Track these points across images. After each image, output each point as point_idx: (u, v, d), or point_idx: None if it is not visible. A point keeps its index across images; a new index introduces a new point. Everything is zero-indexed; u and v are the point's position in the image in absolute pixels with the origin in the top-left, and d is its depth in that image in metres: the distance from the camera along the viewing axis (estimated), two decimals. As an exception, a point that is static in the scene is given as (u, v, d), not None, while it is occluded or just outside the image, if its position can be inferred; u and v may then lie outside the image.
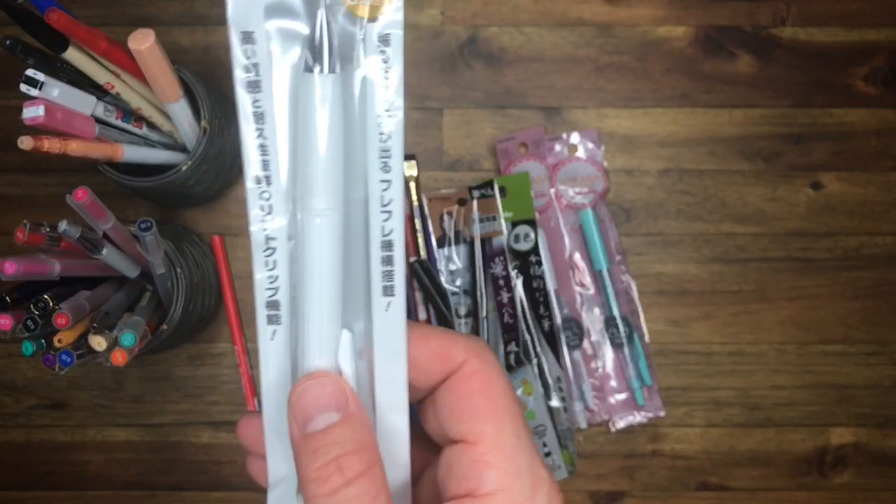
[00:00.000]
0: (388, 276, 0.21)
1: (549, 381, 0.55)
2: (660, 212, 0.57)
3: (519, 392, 0.55)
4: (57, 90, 0.42)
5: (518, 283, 0.55)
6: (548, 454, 0.54)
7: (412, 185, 0.56)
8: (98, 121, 0.45)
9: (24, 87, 0.41)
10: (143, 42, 0.42)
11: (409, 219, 0.56)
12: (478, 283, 0.55)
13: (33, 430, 0.56)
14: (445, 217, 0.56)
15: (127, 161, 0.47)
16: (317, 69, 0.20)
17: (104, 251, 0.42)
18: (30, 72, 0.41)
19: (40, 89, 0.41)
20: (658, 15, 0.58)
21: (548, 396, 0.55)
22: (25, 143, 0.39)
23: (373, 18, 0.20)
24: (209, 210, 0.57)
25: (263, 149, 0.21)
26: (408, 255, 0.56)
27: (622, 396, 0.56)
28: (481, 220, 0.55)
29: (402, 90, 0.20)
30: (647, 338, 0.56)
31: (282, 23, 0.20)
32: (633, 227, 0.57)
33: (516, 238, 0.55)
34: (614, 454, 0.56)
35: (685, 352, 0.56)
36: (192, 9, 0.58)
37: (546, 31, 0.58)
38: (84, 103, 0.44)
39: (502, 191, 0.56)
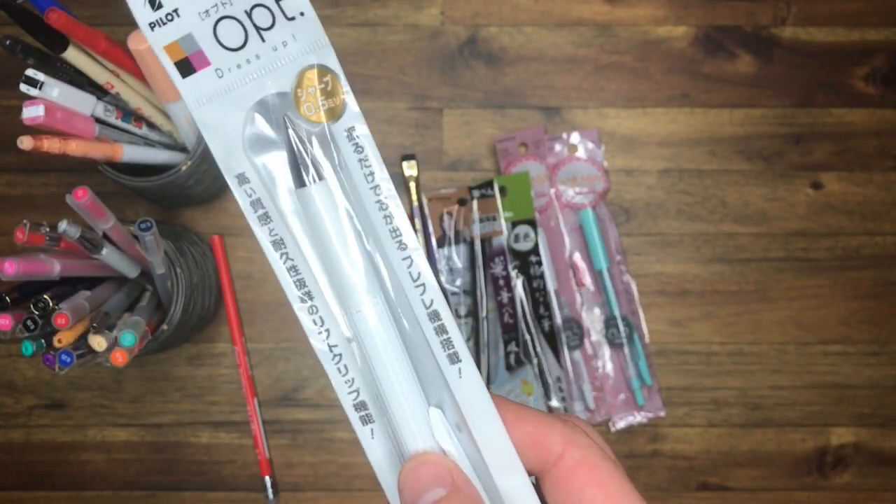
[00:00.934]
0: (448, 344, 0.22)
1: (549, 381, 0.55)
2: (660, 212, 0.57)
3: (519, 392, 0.55)
4: (57, 90, 0.42)
5: (518, 283, 0.55)
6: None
7: (412, 185, 0.56)
8: (98, 121, 0.45)
9: (23, 87, 0.41)
10: (142, 42, 0.42)
11: (409, 218, 0.56)
12: (478, 283, 0.55)
13: (33, 431, 0.56)
14: (445, 217, 0.56)
15: (127, 161, 0.47)
16: (306, 184, 0.21)
17: (104, 251, 0.42)
18: (30, 72, 0.41)
19: (40, 89, 0.41)
20: (658, 15, 0.58)
21: (548, 397, 0.54)
22: (25, 142, 0.39)
23: (334, 120, 0.21)
24: (209, 210, 0.57)
25: (295, 269, 0.22)
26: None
27: (622, 396, 0.56)
28: (481, 220, 0.55)
29: (385, 171, 0.21)
30: (647, 338, 0.56)
31: (263, 154, 0.21)
32: (634, 227, 0.57)
33: (516, 238, 0.55)
34: (614, 454, 0.56)
35: (685, 352, 0.56)
36: (191, 9, 0.57)
37: (546, 31, 0.58)
38: (84, 103, 0.44)
39: (502, 191, 0.56)
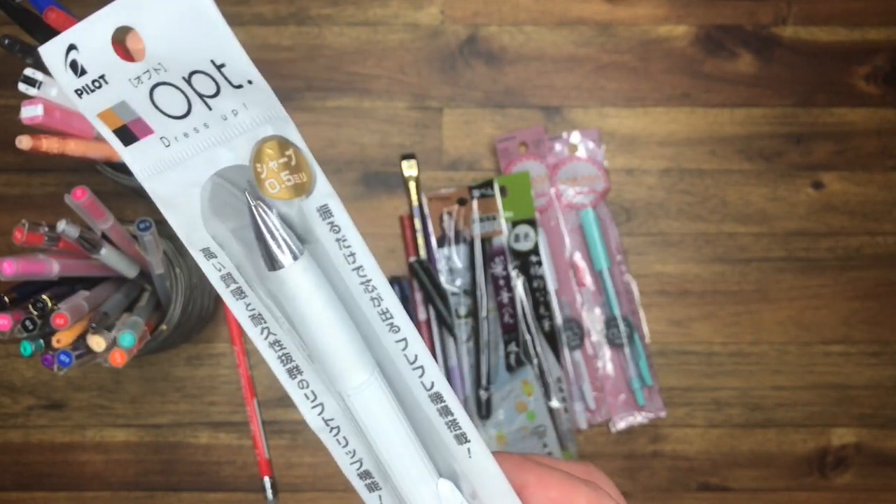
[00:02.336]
0: (454, 425, 0.21)
1: (550, 381, 0.54)
2: (660, 211, 0.57)
3: (519, 392, 0.54)
4: (55, 89, 0.42)
5: (518, 283, 0.55)
6: (548, 455, 0.54)
7: (412, 184, 0.56)
8: (97, 120, 0.45)
9: (22, 87, 0.41)
10: (140, 42, 0.42)
11: (409, 218, 0.56)
12: (478, 283, 0.55)
13: (32, 431, 0.56)
14: (445, 217, 0.56)
15: (126, 161, 0.47)
16: (279, 264, 0.19)
17: (103, 251, 0.42)
18: (28, 71, 0.41)
19: (39, 88, 0.41)
20: (659, 14, 0.58)
21: (548, 397, 0.54)
22: (24, 142, 0.39)
23: (303, 196, 0.19)
24: (208, 210, 0.56)
25: (279, 344, 0.20)
26: (407, 255, 0.56)
27: (623, 397, 0.56)
28: (481, 220, 0.55)
29: (367, 251, 0.19)
30: (647, 338, 0.56)
31: (227, 226, 0.20)
32: (634, 226, 0.57)
33: (516, 238, 0.55)
34: (615, 455, 0.56)
35: (686, 352, 0.56)
36: (191, 8, 0.57)
37: (546, 31, 0.57)
38: (83, 102, 0.44)
39: (502, 190, 0.55)
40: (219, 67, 0.17)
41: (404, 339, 0.20)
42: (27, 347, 0.41)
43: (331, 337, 0.19)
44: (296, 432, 0.55)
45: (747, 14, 0.58)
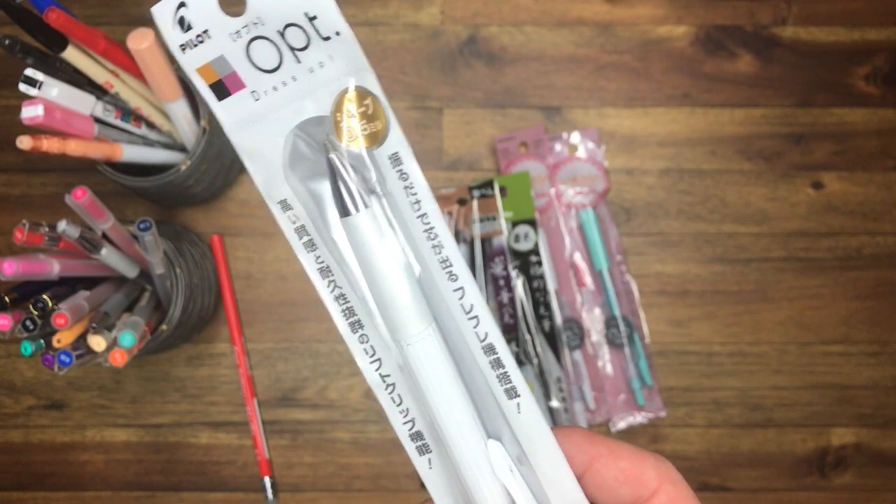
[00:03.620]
0: (505, 378, 0.21)
1: (550, 381, 0.55)
2: (660, 212, 0.57)
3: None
4: (56, 90, 0.42)
5: (518, 283, 0.55)
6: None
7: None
8: (97, 120, 0.45)
9: (22, 87, 0.41)
10: (142, 42, 0.42)
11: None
12: (478, 283, 0.55)
13: (32, 431, 0.56)
14: (445, 217, 0.56)
15: (126, 161, 0.47)
16: (351, 212, 0.20)
17: (103, 251, 0.42)
18: (29, 71, 0.41)
19: (39, 89, 0.41)
20: (658, 14, 0.58)
21: (548, 397, 0.54)
22: (24, 142, 0.39)
23: (376, 145, 0.20)
24: (208, 210, 0.57)
25: (343, 298, 0.21)
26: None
27: (622, 397, 0.56)
28: (481, 220, 0.55)
29: (433, 199, 0.20)
30: (647, 338, 0.56)
31: (307, 178, 0.20)
32: (634, 226, 0.57)
33: (516, 238, 0.55)
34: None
35: (686, 352, 0.56)
36: (191, 8, 0.57)
37: (546, 31, 0.57)
38: (83, 103, 0.44)
39: (502, 190, 0.55)
40: (311, 20, 0.18)
41: (461, 289, 0.21)
42: (27, 347, 0.41)
43: (394, 285, 0.20)
44: (296, 432, 0.56)
45: (747, 14, 0.58)
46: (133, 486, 0.55)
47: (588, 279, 0.56)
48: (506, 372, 0.21)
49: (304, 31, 0.18)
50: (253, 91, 0.19)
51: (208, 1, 0.18)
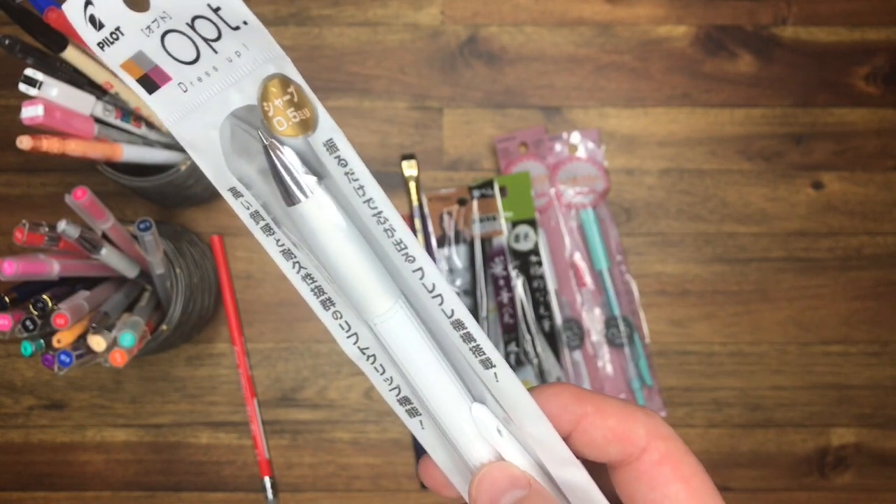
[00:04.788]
0: (478, 350, 0.21)
1: (550, 381, 0.54)
2: (660, 212, 0.57)
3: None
4: (56, 90, 0.42)
5: (518, 283, 0.55)
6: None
7: (412, 184, 0.56)
8: (97, 120, 0.45)
9: (22, 87, 0.41)
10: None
11: (409, 218, 0.56)
12: (478, 283, 0.55)
13: (32, 431, 0.56)
14: (445, 217, 0.56)
15: (126, 161, 0.47)
16: (296, 199, 0.20)
17: (103, 251, 0.42)
18: (29, 71, 0.41)
19: (39, 89, 0.41)
20: (658, 14, 0.58)
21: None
22: (24, 142, 0.39)
23: (309, 132, 0.20)
24: (208, 210, 0.57)
25: (310, 277, 0.21)
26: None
27: (623, 397, 0.56)
28: (481, 220, 0.55)
29: (375, 183, 0.20)
30: (647, 338, 0.56)
31: (249, 165, 0.20)
32: (634, 226, 0.57)
33: (516, 238, 0.55)
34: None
35: (686, 352, 0.56)
36: (191, 8, 0.57)
37: (546, 31, 0.57)
38: (83, 103, 0.44)
39: (502, 190, 0.55)
40: (215, 10, 0.18)
41: (420, 269, 0.21)
42: (27, 347, 0.41)
43: (352, 267, 0.20)
44: (296, 432, 0.55)
45: (747, 14, 0.58)
46: (133, 486, 0.55)
47: (588, 279, 0.56)
48: (478, 345, 0.21)
49: (213, 22, 0.18)
50: (180, 83, 0.19)
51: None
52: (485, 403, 0.22)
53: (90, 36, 0.19)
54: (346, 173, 0.20)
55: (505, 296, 0.55)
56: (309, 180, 0.19)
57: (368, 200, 0.20)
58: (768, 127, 0.57)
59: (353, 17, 0.57)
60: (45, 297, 0.42)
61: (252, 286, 0.56)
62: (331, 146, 0.20)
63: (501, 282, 0.55)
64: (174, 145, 0.51)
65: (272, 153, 0.19)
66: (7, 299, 0.41)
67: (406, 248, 0.20)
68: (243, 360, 0.55)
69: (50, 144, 0.40)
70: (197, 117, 0.20)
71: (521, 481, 0.21)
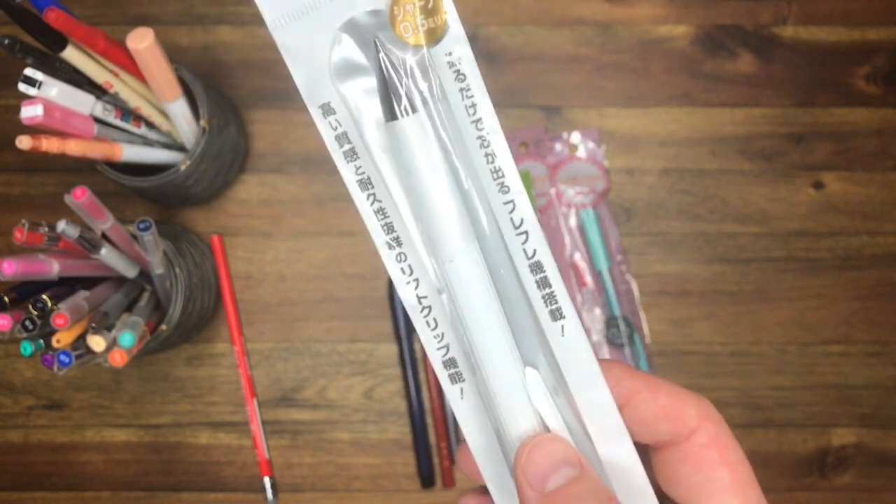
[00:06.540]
0: (551, 298, 0.20)
1: (550, 381, 0.54)
2: (661, 211, 0.57)
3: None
4: (55, 89, 0.42)
5: (518, 283, 0.55)
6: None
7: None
8: (97, 120, 0.45)
9: (22, 87, 0.41)
10: (141, 41, 0.42)
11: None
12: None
13: (31, 431, 0.55)
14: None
15: (126, 161, 0.47)
16: (397, 116, 0.18)
17: (103, 251, 0.42)
18: (28, 71, 0.41)
19: (39, 88, 0.41)
20: (659, 14, 0.58)
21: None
22: (24, 142, 0.39)
23: (433, 42, 0.18)
24: (208, 210, 0.56)
25: (382, 212, 0.20)
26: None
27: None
28: (481, 220, 0.55)
29: (489, 102, 0.19)
30: (647, 338, 0.56)
31: (352, 82, 0.19)
32: (634, 226, 0.57)
33: (517, 238, 0.55)
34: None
35: (686, 352, 0.56)
36: (191, 8, 0.57)
37: (546, 31, 0.57)
38: (83, 102, 0.44)
39: (503, 190, 0.55)
40: None
41: (512, 202, 0.20)
42: (27, 347, 0.41)
43: (439, 197, 0.19)
44: (296, 432, 0.55)
45: (747, 14, 0.58)
46: (133, 486, 0.55)
47: (588, 279, 0.56)
48: (552, 292, 0.20)
49: None
50: None
51: None
52: (537, 369, 0.20)
53: None
54: (462, 89, 0.19)
55: (505, 296, 0.55)
56: (415, 96, 0.18)
57: (477, 121, 0.19)
58: (769, 127, 0.57)
59: (353, 17, 0.57)
60: (44, 297, 0.41)
61: (252, 286, 0.56)
62: (452, 58, 0.19)
63: (501, 282, 0.55)
64: (174, 145, 0.51)
65: (385, 63, 0.18)
66: (6, 299, 0.41)
67: (503, 177, 0.19)
68: (243, 360, 0.55)
69: (49, 144, 0.40)
70: (308, 21, 0.18)
71: (574, 459, 0.19)
